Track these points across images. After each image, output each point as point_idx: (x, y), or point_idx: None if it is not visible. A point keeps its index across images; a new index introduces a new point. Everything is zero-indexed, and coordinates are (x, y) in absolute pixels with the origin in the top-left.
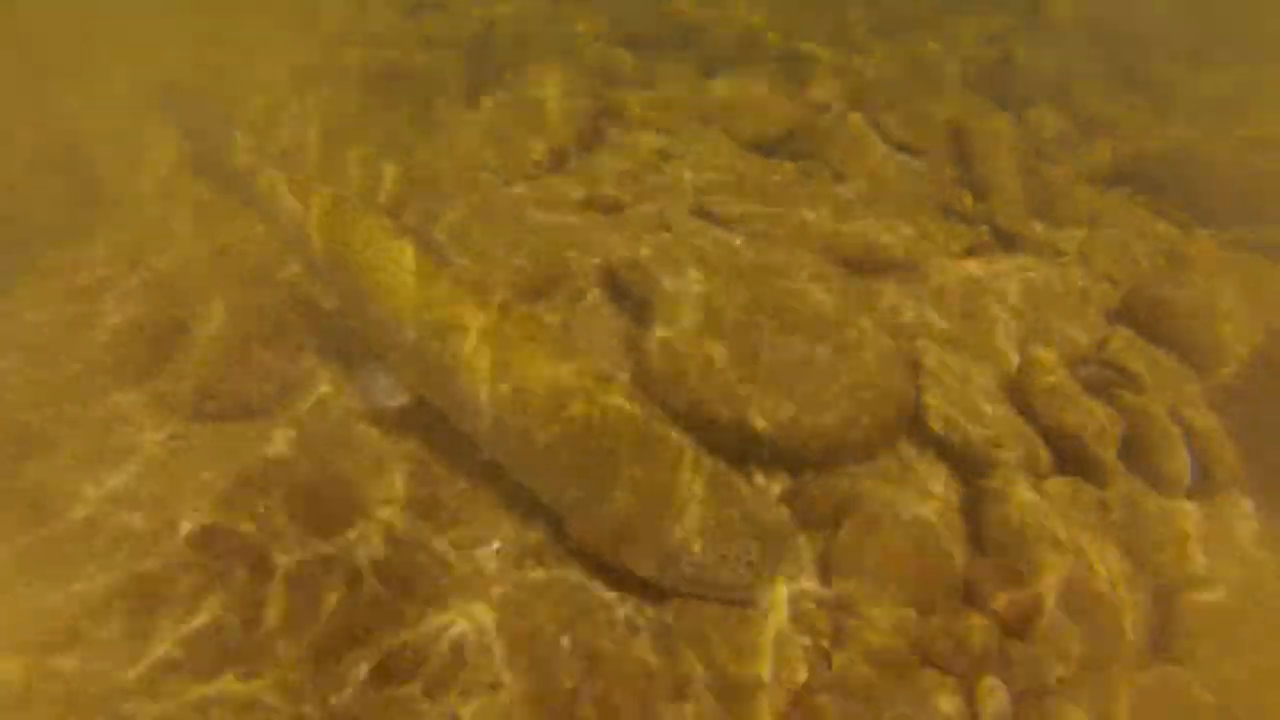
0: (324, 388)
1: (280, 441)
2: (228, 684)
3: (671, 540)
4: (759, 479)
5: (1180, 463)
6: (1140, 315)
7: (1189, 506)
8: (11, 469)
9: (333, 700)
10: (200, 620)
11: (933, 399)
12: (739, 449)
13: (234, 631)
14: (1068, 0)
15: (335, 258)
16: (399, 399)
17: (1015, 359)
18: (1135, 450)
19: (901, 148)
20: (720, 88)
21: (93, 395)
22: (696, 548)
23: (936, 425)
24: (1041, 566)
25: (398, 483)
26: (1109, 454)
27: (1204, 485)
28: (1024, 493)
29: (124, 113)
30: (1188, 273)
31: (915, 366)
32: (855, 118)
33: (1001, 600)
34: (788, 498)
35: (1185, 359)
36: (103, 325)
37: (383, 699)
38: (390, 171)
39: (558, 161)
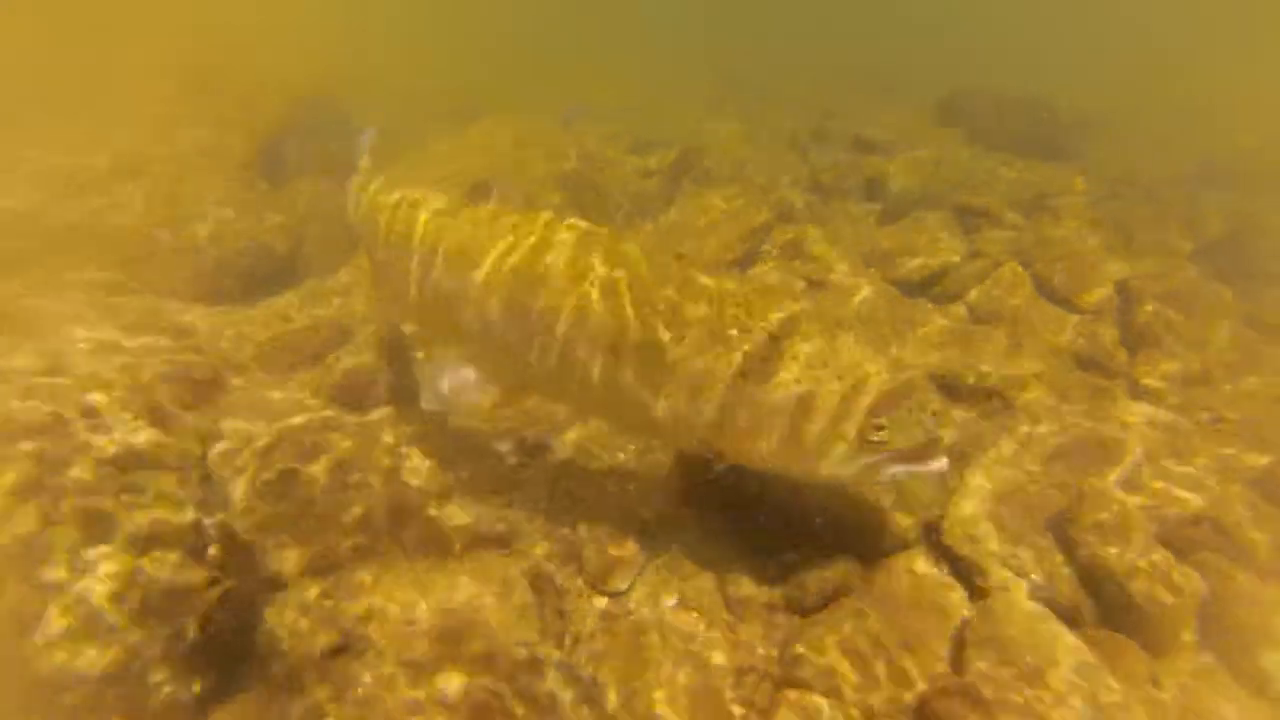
0: None
1: None
2: None
3: None
4: None
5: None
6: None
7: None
8: None
9: None
10: None
11: (957, 514)
12: None
13: None
14: None
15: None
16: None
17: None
18: (1216, 626)
19: (1060, 301)
20: (886, 232)
21: None
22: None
23: (950, 538)
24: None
25: None
26: (1166, 615)
27: None
28: (1021, 617)
29: None
30: None
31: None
32: (1011, 267)
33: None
34: (783, 573)
35: None
36: None
37: None
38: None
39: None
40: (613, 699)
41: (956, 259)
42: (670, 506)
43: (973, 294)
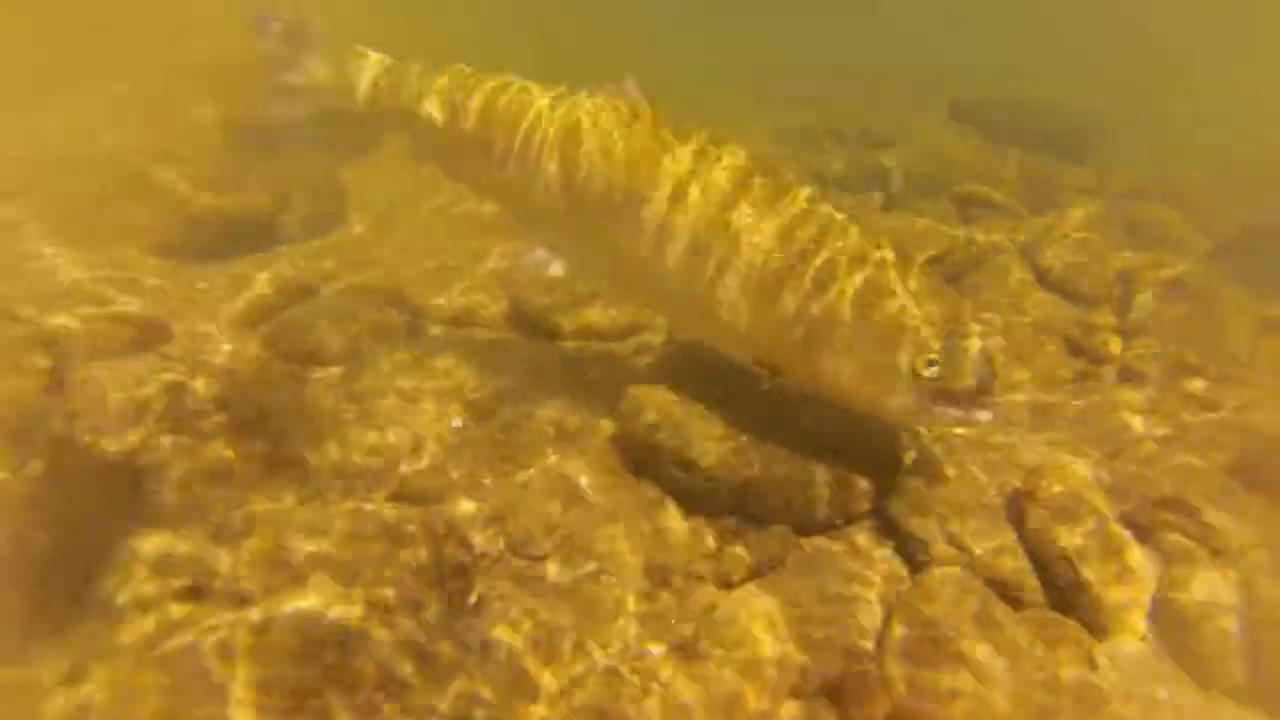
0: None
1: None
2: None
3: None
4: None
5: (1223, 647)
6: (1249, 465)
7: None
8: None
9: None
10: None
11: (904, 489)
12: None
13: None
14: None
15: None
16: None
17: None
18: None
19: (1055, 288)
20: (887, 219)
21: None
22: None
23: (896, 510)
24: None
25: None
26: (1113, 597)
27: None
28: (955, 593)
29: None
30: None
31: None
32: (1007, 256)
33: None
34: (717, 541)
35: None
36: None
37: None
38: None
39: None
40: (503, 664)
41: (952, 244)
42: (608, 470)
43: (966, 278)
